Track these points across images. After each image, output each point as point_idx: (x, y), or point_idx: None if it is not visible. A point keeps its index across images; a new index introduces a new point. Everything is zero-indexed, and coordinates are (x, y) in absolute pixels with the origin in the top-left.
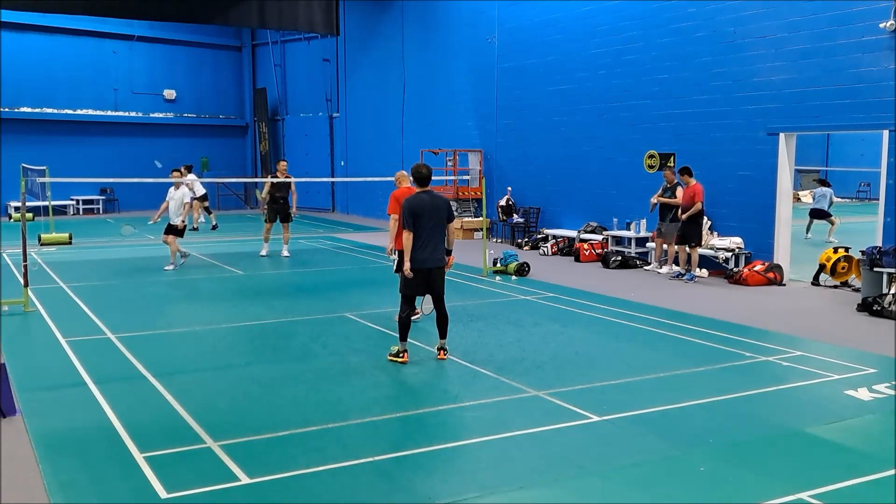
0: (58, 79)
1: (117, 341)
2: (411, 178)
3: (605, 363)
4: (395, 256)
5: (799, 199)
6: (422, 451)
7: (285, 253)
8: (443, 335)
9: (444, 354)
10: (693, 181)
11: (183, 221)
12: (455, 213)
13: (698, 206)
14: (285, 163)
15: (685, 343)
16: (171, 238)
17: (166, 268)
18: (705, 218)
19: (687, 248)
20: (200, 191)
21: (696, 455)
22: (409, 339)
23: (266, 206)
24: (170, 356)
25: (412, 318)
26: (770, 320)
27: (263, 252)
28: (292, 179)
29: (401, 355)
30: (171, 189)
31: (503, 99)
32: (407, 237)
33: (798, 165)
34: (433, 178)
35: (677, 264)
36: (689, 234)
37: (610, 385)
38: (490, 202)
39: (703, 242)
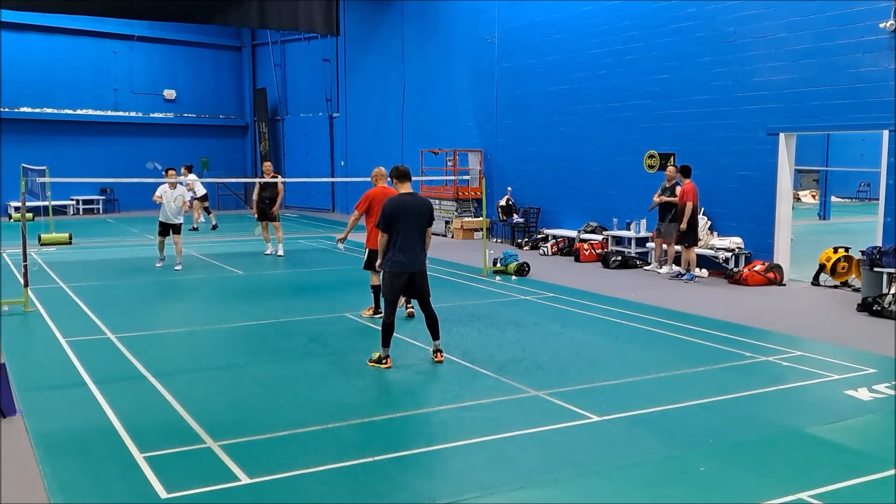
0: (58, 79)
1: (117, 341)
2: (390, 178)
3: (606, 363)
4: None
5: (799, 198)
6: (422, 451)
7: (279, 252)
8: (435, 336)
9: (441, 356)
10: (686, 181)
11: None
12: (454, 215)
13: (688, 206)
14: (269, 163)
15: (685, 343)
16: (177, 237)
17: (176, 267)
18: (706, 218)
19: (678, 248)
20: (201, 191)
21: (696, 455)
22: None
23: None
24: (170, 356)
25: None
26: (770, 320)
27: (266, 251)
28: (279, 179)
29: (383, 361)
30: (166, 187)
31: (503, 99)
32: (381, 239)
33: (798, 165)
34: (433, 178)
35: (677, 264)
36: (683, 234)
37: (610, 385)
38: (490, 202)
39: (697, 243)
